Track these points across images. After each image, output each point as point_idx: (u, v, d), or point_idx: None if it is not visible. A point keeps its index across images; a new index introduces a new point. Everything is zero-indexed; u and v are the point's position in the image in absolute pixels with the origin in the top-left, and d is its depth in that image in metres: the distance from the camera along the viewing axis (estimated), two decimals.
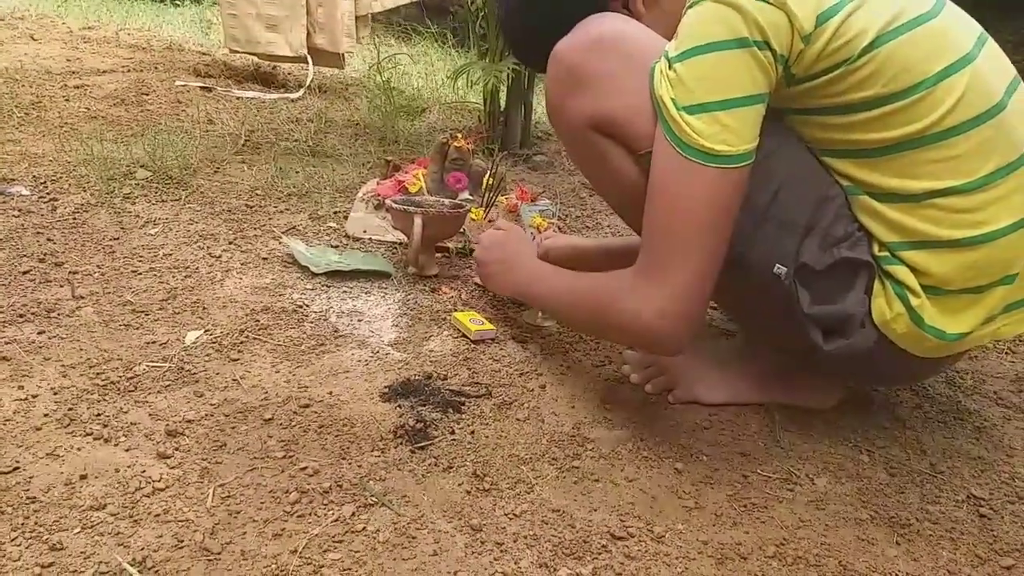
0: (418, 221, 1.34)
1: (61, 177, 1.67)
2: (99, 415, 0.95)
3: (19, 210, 1.50)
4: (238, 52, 2.97)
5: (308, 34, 2.84)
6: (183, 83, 2.69)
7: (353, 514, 0.83)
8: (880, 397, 1.22)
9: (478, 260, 1.28)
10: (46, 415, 0.93)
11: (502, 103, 2.20)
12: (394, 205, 1.38)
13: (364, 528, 0.81)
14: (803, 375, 1.13)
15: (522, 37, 1.15)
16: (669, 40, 0.94)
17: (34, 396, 0.97)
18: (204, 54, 3.40)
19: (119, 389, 1.00)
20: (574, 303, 1.06)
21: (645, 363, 1.15)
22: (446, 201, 1.48)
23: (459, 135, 1.60)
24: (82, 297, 1.22)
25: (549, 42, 1.03)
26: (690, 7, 0.90)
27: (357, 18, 2.90)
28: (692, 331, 0.93)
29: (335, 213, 1.66)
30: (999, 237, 0.90)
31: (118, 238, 1.43)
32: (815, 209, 0.94)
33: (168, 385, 1.02)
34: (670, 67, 0.89)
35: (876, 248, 0.94)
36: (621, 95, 0.96)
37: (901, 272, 0.93)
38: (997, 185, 0.89)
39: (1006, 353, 1.42)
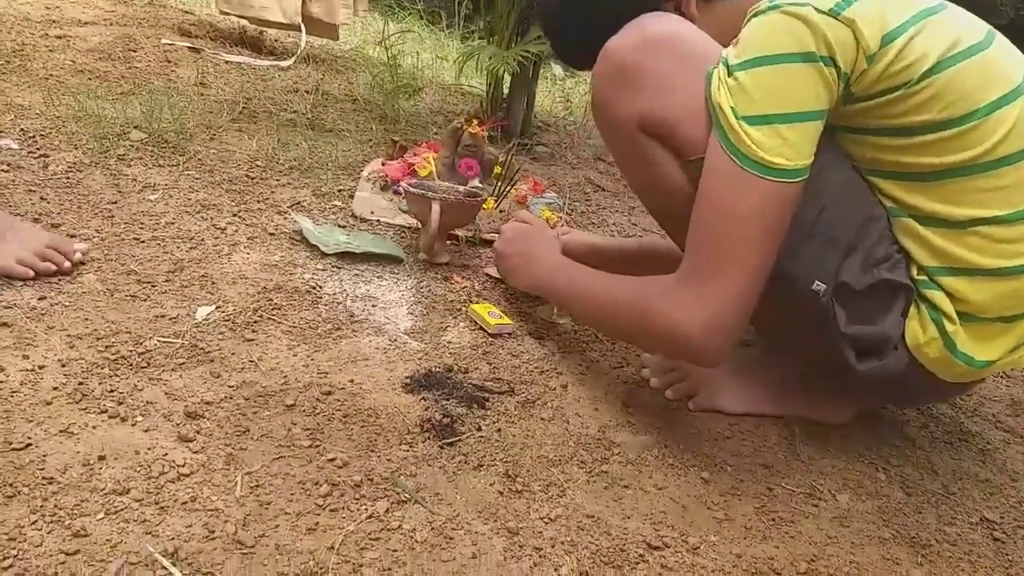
0: (436, 208, 1.31)
1: (51, 132, 1.59)
2: (112, 391, 0.90)
3: (8, 164, 1.42)
4: (229, 14, 2.86)
5: (303, 2, 2.75)
6: (170, 42, 2.59)
7: (387, 511, 0.80)
8: (888, 415, 1.23)
9: (498, 252, 1.25)
10: (55, 388, 0.88)
11: (505, 90, 2.16)
12: (411, 189, 1.35)
13: (400, 526, 0.79)
14: (821, 389, 1.14)
15: (566, 34, 1.12)
16: (722, 45, 0.93)
17: (41, 367, 0.91)
18: (187, 12, 3.28)
19: (131, 364, 0.95)
20: (605, 305, 1.04)
21: (665, 368, 1.14)
22: (460, 188, 1.45)
23: (474, 121, 1.57)
24: (83, 263, 1.16)
25: (595, 40, 1.01)
26: (754, 16, 0.89)
27: None
28: (733, 344, 0.92)
29: (339, 191, 1.61)
30: None
31: (116, 202, 1.37)
32: (860, 228, 0.93)
33: (182, 363, 0.98)
34: (730, 74, 0.88)
35: (914, 271, 0.95)
36: (674, 96, 0.94)
37: (938, 297, 0.93)
38: None
39: (1001, 377, 1.45)
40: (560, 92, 3.11)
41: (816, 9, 0.84)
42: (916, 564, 0.90)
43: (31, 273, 1.07)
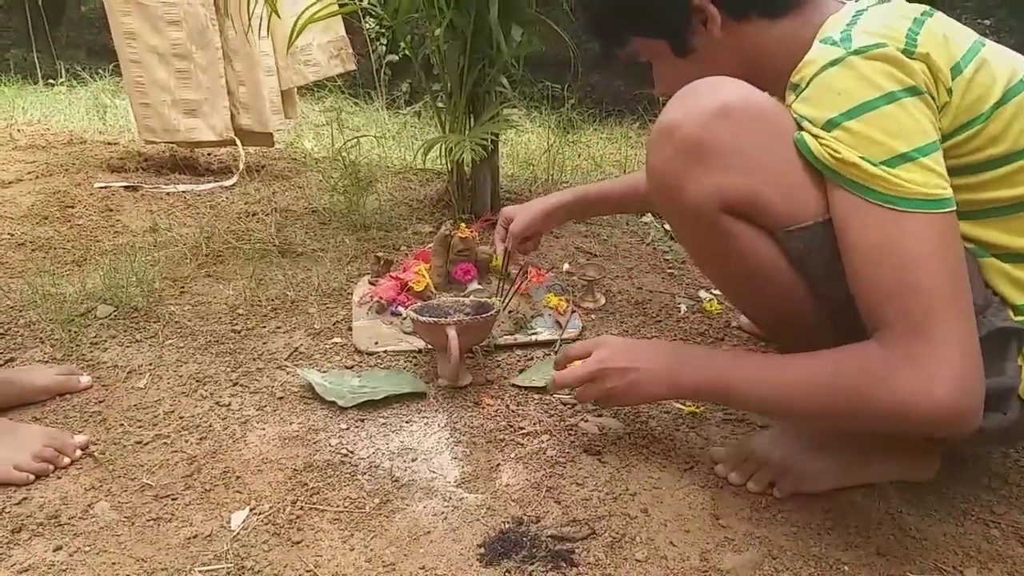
0: (453, 333, 1.22)
1: (10, 328, 1.46)
2: None
3: None
4: (155, 142, 2.75)
5: (232, 115, 2.65)
6: (104, 184, 2.46)
7: None
8: (969, 453, 1.18)
9: (605, 372, 1.03)
10: None
11: (467, 169, 2.09)
12: (420, 319, 1.26)
13: None
14: (902, 446, 1.07)
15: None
16: (743, 70, 0.94)
17: None
18: (110, 144, 3.15)
19: None
20: (808, 393, 0.88)
21: (739, 458, 1.07)
22: (466, 301, 1.37)
23: (462, 224, 1.49)
24: (89, 488, 1.04)
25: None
26: (829, 65, 0.84)
27: (282, 93, 2.73)
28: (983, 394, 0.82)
29: (335, 325, 1.51)
30: None
31: (103, 400, 1.25)
32: None
33: None
34: (832, 129, 0.83)
35: (1010, 312, 0.89)
36: (761, 169, 0.88)
37: None
38: None
39: None
40: (523, 150, 3.05)
41: (896, 49, 0.81)
42: None
43: (31, 479, 1.02)
